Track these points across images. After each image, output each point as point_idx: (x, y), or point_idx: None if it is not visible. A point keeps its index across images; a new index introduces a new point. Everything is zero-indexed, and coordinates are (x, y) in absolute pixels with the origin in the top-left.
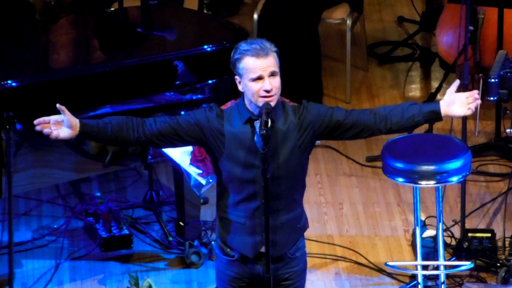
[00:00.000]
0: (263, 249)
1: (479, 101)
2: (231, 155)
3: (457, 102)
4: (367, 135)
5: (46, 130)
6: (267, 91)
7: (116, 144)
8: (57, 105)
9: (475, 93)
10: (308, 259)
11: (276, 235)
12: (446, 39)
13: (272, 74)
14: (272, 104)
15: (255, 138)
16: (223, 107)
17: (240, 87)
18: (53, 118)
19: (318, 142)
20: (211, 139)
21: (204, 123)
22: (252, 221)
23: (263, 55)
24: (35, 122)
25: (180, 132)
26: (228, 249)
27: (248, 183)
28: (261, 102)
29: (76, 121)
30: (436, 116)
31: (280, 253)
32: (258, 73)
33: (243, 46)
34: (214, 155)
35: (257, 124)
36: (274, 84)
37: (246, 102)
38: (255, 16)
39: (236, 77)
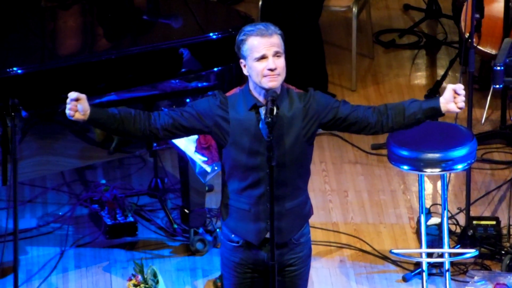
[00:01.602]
0: (267, 235)
1: (462, 97)
2: (236, 142)
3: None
4: (370, 132)
5: (71, 107)
6: (271, 70)
7: (120, 135)
8: (76, 93)
9: (459, 89)
10: (313, 246)
11: (281, 222)
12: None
13: (277, 54)
14: (276, 84)
15: (260, 124)
16: (227, 94)
17: (245, 71)
18: (76, 96)
19: (319, 130)
20: (215, 128)
21: (208, 112)
22: (257, 208)
23: (267, 35)
24: (74, 96)
25: (184, 124)
26: (233, 235)
27: (253, 170)
28: (265, 82)
29: (88, 107)
30: (436, 112)
31: (285, 239)
32: (262, 52)
33: (248, 27)
34: (219, 143)
35: (262, 110)
36: (278, 64)
37: (251, 88)
38: (260, 3)
39: (241, 60)
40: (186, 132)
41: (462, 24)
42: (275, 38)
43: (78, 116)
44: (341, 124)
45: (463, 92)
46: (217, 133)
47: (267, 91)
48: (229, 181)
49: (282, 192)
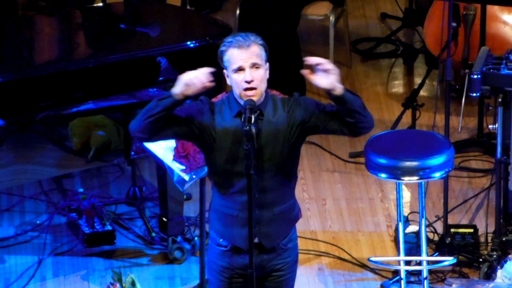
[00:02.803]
0: (256, 240)
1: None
2: (222, 148)
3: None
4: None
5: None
6: (248, 82)
7: (154, 128)
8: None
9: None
10: None
11: (270, 227)
12: (434, 32)
13: (254, 65)
14: (255, 99)
15: None
16: (214, 99)
17: (228, 81)
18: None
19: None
20: (201, 133)
21: (196, 117)
22: (244, 214)
23: (244, 47)
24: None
25: (172, 126)
26: (221, 240)
27: (239, 176)
28: (244, 96)
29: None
30: (332, 97)
31: (273, 244)
32: (239, 64)
33: (228, 38)
34: (205, 149)
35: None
36: (256, 76)
37: (236, 95)
38: (238, 12)
39: (224, 71)
40: (172, 135)
41: (425, 31)
42: (254, 49)
43: (187, 90)
44: (323, 121)
45: (316, 60)
46: (204, 138)
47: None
48: (216, 186)
49: (270, 197)
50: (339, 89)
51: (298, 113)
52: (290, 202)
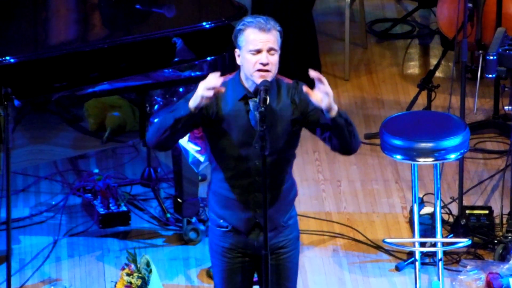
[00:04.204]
0: (256, 221)
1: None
2: (225, 132)
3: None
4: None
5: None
6: (263, 64)
7: (169, 139)
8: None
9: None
10: (306, 236)
11: (270, 209)
12: (447, 14)
13: (271, 49)
14: (268, 79)
15: (250, 115)
16: None
17: (238, 61)
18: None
19: None
20: (206, 119)
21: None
22: (245, 197)
23: (265, 29)
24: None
25: (187, 127)
26: (221, 221)
27: (242, 160)
28: (256, 76)
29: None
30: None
31: (275, 225)
32: (258, 46)
33: (248, 18)
34: (208, 132)
35: (251, 102)
36: (271, 60)
37: (242, 78)
38: None
39: (236, 49)
40: (189, 132)
41: (438, 13)
42: (273, 33)
43: (201, 102)
44: (313, 129)
45: (317, 75)
46: (208, 123)
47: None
48: (217, 170)
49: (271, 180)
50: (334, 112)
51: (300, 104)
52: (288, 183)
